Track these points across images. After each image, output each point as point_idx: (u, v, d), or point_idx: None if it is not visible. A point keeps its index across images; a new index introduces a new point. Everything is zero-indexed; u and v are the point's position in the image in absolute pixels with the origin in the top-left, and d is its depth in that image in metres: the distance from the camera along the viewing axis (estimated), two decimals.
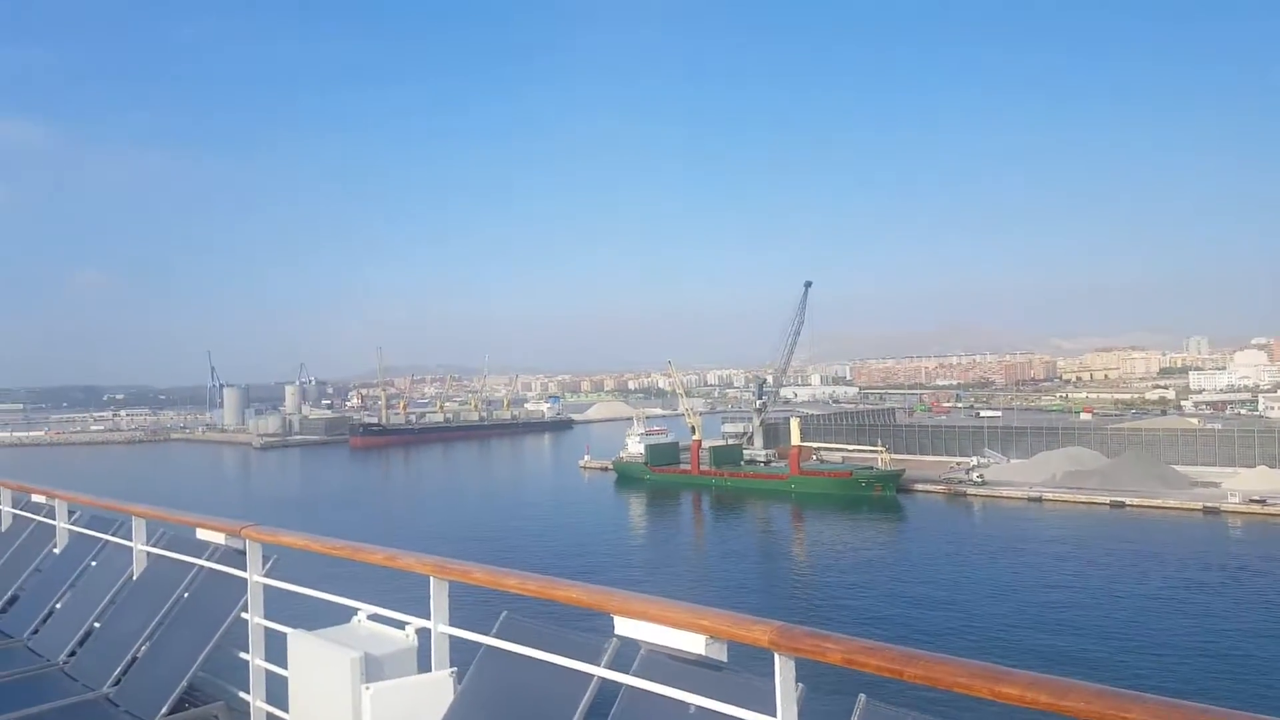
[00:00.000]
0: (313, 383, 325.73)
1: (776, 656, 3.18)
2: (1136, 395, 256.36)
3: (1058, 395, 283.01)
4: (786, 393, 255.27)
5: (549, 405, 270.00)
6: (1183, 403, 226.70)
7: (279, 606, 5.79)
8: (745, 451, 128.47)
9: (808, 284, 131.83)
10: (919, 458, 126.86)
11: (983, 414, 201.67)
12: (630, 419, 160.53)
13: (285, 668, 5.10)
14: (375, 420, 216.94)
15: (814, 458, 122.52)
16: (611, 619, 3.77)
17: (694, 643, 3.46)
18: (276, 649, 5.32)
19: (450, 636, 4.66)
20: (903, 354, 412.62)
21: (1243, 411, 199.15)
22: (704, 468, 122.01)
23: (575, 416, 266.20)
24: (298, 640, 4.96)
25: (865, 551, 79.50)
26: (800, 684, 3.20)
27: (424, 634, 4.69)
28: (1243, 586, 64.14)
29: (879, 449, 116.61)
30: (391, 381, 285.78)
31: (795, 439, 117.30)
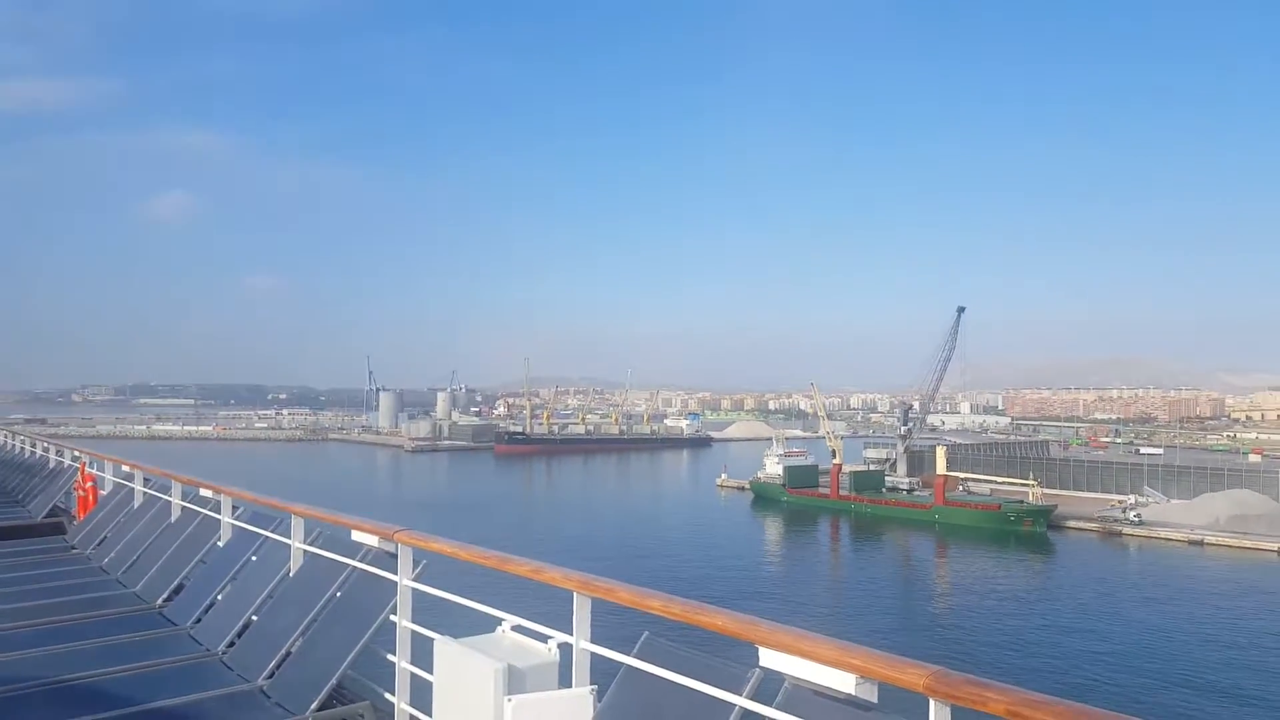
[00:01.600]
0: (463, 390, 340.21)
1: (932, 702, 3.01)
2: None
3: (1225, 434, 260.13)
4: (933, 420, 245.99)
5: (688, 422, 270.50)
6: None
7: (426, 611, 5.83)
8: (887, 478, 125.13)
9: (960, 309, 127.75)
10: (1073, 493, 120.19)
11: (1143, 451, 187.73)
12: (769, 439, 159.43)
13: (431, 673, 5.08)
14: (520, 429, 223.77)
15: (960, 488, 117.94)
16: (756, 649, 3.66)
17: (844, 681, 3.31)
18: (422, 653, 5.33)
19: (591, 653, 4.59)
20: (1059, 385, 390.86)
21: None
22: (843, 492, 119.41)
23: (714, 434, 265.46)
24: (444, 647, 4.96)
25: (1014, 590, 75.72)
26: None
27: (565, 649, 4.64)
28: None
29: (1030, 482, 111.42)
30: (537, 392, 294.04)
31: (941, 468, 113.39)
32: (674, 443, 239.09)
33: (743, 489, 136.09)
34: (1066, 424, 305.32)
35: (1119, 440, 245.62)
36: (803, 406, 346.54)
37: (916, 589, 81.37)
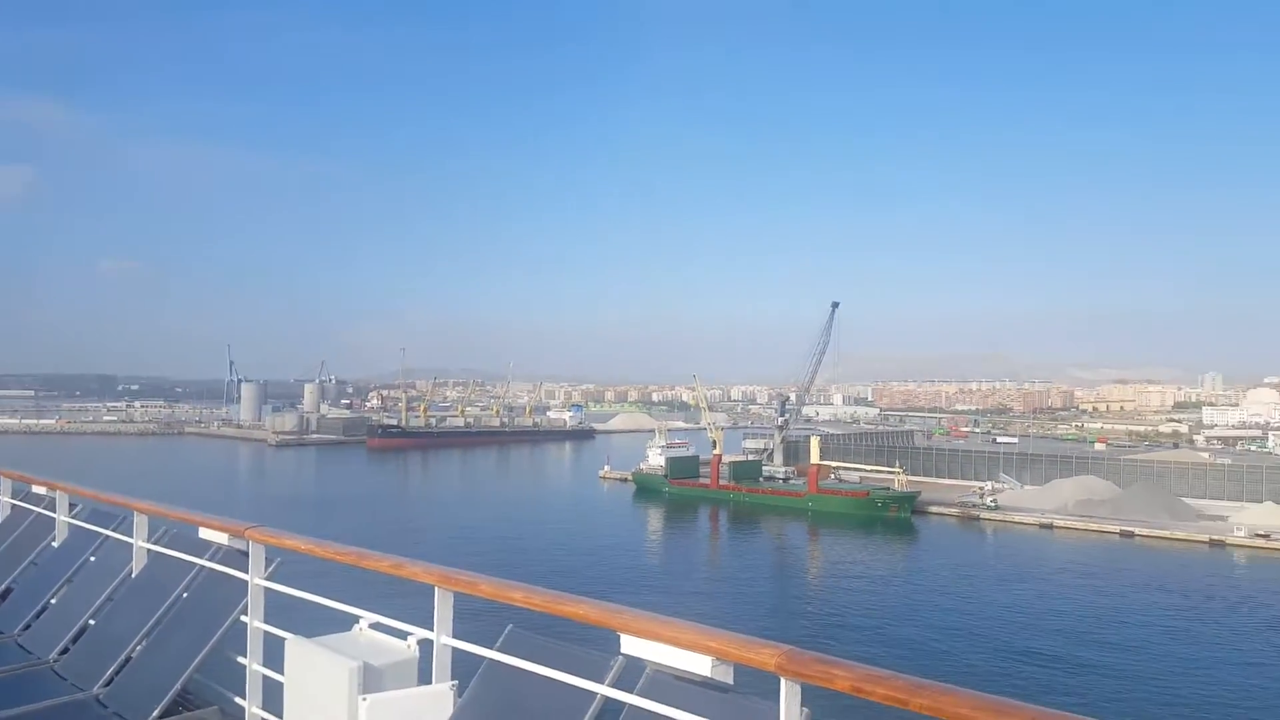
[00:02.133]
0: (333, 381, 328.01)
1: (783, 681, 3.12)
2: (1150, 428, 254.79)
3: (1073, 424, 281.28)
4: (809, 411, 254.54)
5: (571, 414, 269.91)
6: (1195, 437, 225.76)
7: (280, 611, 5.62)
8: (765, 468, 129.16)
9: (835, 304, 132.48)
10: (935, 480, 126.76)
11: (999, 440, 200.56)
12: (652, 431, 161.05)
13: (283, 674, 4.93)
14: (394, 422, 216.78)
15: (832, 476, 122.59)
16: (618, 637, 3.71)
17: (700, 664, 3.40)
18: (275, 655, 5.15)
19: (453, 649, 4.52)
20: (924, 378, 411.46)
21: (1253, 448, 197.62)
22: (723, 482, 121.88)
23: (597, 426, 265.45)
24: (296, 647, 4.80)
25: (878, 573, 79.27)
26: (806, 709, 3.15)
27: (426, 645, 4.55)
28: (1245, 619, 63.96)
29: (896, 470, 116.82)
30: (413, 384, 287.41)
31: (815, 457, 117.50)
32: (557, 435, 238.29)
33: (625, 480, 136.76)
34: (930, 415, 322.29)
35: (978, 430, 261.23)
36: (685, 398, 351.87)
37: (788, 573, 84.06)
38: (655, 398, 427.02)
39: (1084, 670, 53.02)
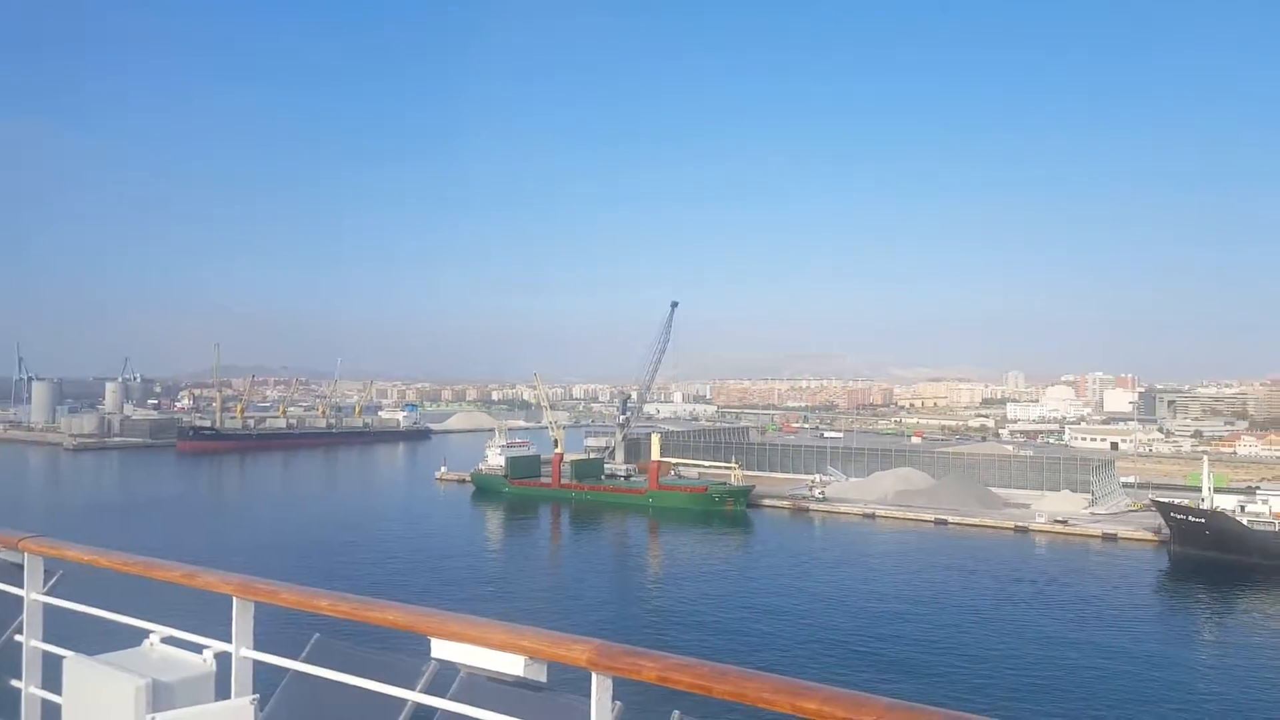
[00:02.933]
0: (138, 380, 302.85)
1: (594, 676, 3.17)
2: (961, 422, 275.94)
3: (893, 420, 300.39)
4: (649, 409, 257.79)
5: (405, 413, 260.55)
6: (1000, 431, 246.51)
7: (62, 629, 5.21)
8: (607, 465, 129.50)
9: (674, 304, 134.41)
10: (769, 475, 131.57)
11: (827, 435, 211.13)
12: (492, 430, 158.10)
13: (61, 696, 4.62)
14: (208, 423, 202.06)
15: (672, 473, 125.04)
16: (429, 641, 3.65)
17: (513, 664, 3.40)
18: (55, 676, 4.79)
19: (254, 661, 4.32)
20: (759, 376, 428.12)
21: (1051, 441, 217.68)
22: (565, 481, 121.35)
23: (433, 426, 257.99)
24: (75, 666, 4.44)
25: (715, 566, 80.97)
26: (619, 702, 3.19)
27: (224, 658, 4.34)
28: (1046, 597, 69.61)
29: (732, 466, 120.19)
30: (229, 382, 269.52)
31: (655, 454, 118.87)
32: (389, 435, 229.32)
33: (463, 481, 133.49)
34: (764, 411, 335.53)
35: (808, 426, 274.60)
36: (527, 397, 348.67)
37: (627, 569, 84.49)
38: (495, 396, 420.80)
39: (902, 651, 56.02)
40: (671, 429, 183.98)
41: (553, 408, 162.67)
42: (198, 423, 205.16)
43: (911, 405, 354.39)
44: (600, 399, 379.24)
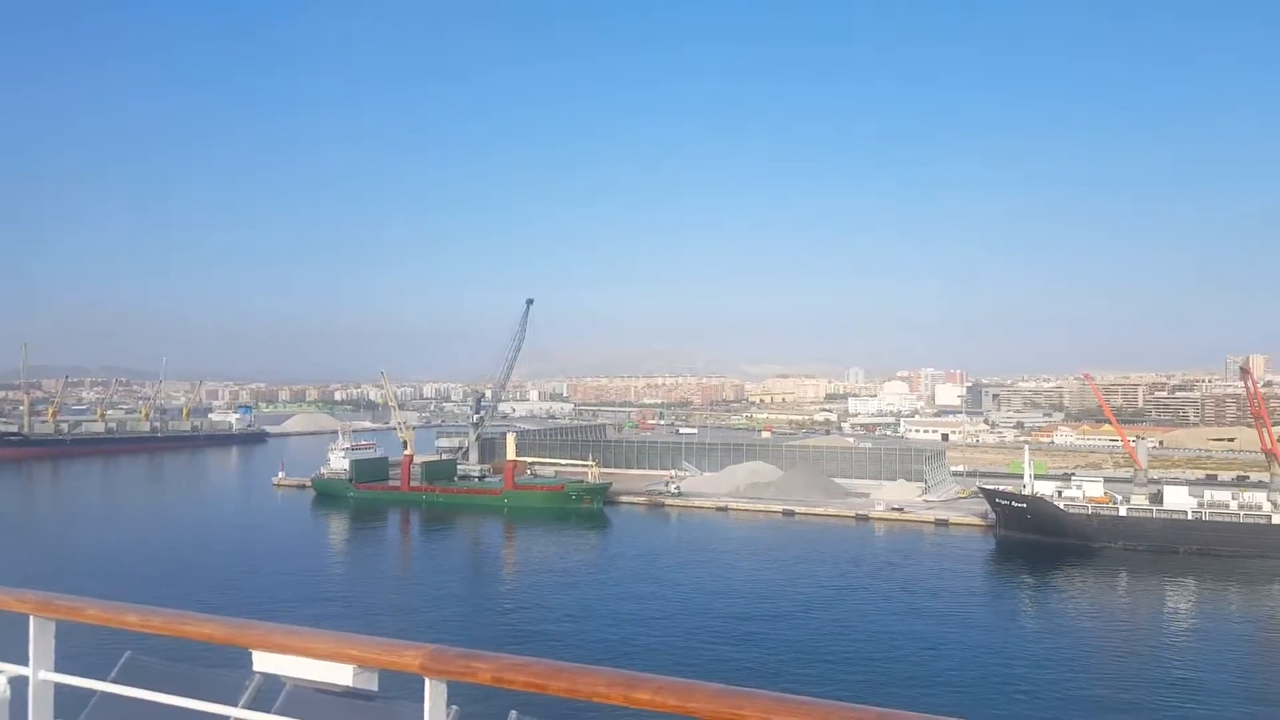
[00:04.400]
0: None
1: (427, 681, 3.13)
2: (807, 416, 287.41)
3: (745, 415, 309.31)
4: (505, 408, 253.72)
5: (238, 415, 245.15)
6: (843, 424, 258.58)
7: None
8: (460, 467, 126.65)
9: (529, 301, 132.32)
10: (626, 471, 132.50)
11: (681, 431, 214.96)
12: (335, 432, 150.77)
13: None
14: (15, 428, 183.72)
15: (528, 472, 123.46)
16: (251, 655, 3.48)
17: (341, 674, 3.27)
18: None
19: (56, 685, 3.97)
20: (615, 373, 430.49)
21: (889, 433, 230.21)
22: (415, 484, 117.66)
23: (270, 429, 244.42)
24: None
25: (571, 564, 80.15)
26: (454, 706, 3.16)
27: (21, 683, 3.97)
28: (884, 580, 73.18)
29: (590, 463, 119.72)
30: (38, 383, 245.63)
31: (511, 454, 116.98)
32: (221, 439, 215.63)
33: (304, 487, 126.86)
34: (621, 408, 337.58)
35: (663, 422, 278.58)
36: (373, 397, 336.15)
37: (483, 574, 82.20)
38: (339, 396, 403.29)
39: (753, 637, 57.08)
40: (528, 428, 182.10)
41: (401, 407, 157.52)
42: (3, 428, 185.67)
43: (762, 401, 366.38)
44: (453, 398, 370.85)
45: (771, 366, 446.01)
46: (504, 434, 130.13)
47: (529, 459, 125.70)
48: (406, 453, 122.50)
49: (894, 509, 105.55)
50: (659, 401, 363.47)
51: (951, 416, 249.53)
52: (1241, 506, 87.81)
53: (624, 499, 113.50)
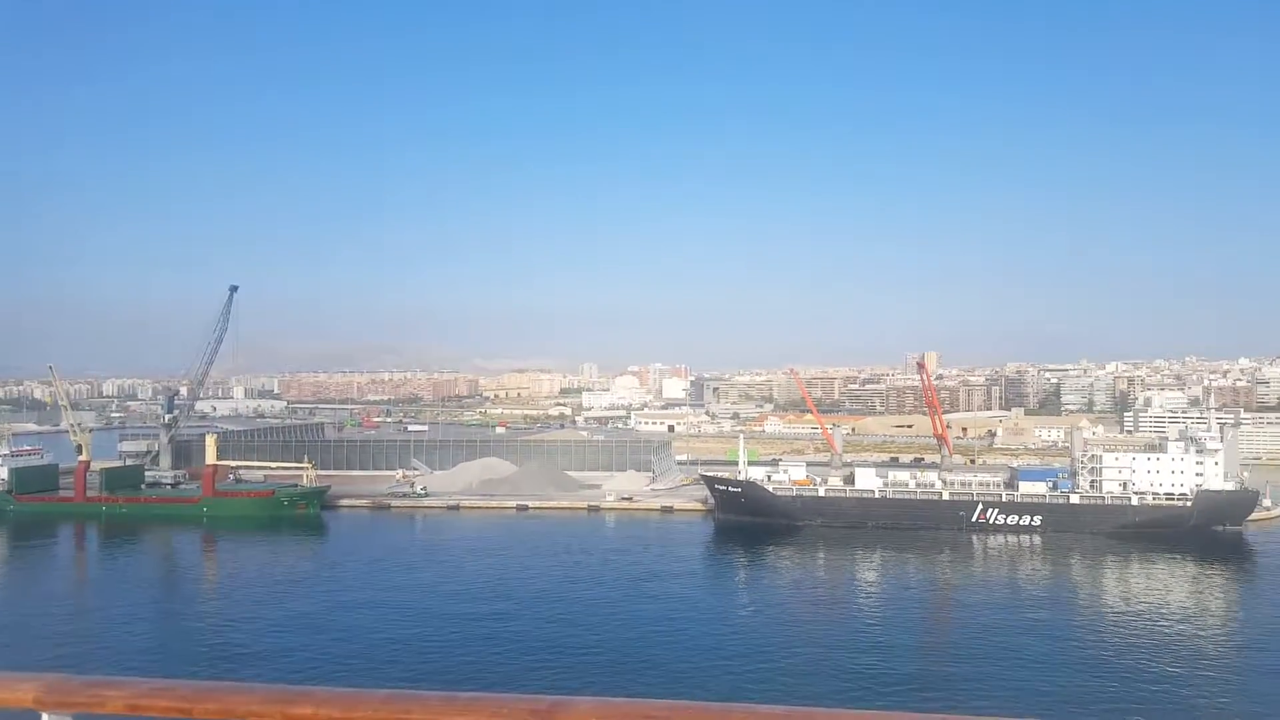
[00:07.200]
0: None
1: (45, 716, 2.81)
2: (542, 411, 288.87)
3: (479, 411, 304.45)
4: (204, 406, 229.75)
5: None
6: (577, 418, 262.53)
7: None
8: (149, 473, 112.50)
9: (233, 288, 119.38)
10: (347, 473, 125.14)
11: (410, 428, 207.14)
12: None
13: None
14: None
15: (231, 477, 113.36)
16: None
17: None
18: None
19: None
20: (335, 368, 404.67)
21: (620, 425, 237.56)
22: (93, 494, 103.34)
23: None
24: None
25: (282, 576, 73.48)
26: None
27: None
28: (612, 568, 74.68)
29: (305, 465, 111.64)
30: None
31: (211, 458, 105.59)
32: None
33: None
34: (341, 406, 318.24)
35: (390, 419, 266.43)
36: (39, 395, 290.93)
37: (177, 590, 73.33)
38: None
39: (484, 636, 55.36)
40: (231, 428, 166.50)
41: (75, 407, 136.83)
42: None
43: (496, 396, 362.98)
44: (139, 396, 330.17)
45: (507, 361, 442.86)
46: (203, 435, 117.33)
47: (233, 462, 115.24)
48: (82, 459, 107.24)
49: (624, 499, 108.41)
50: (385, 398, 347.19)
51: (677, 409, 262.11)
52: (919, 485, 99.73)
53: (345, 503, 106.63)
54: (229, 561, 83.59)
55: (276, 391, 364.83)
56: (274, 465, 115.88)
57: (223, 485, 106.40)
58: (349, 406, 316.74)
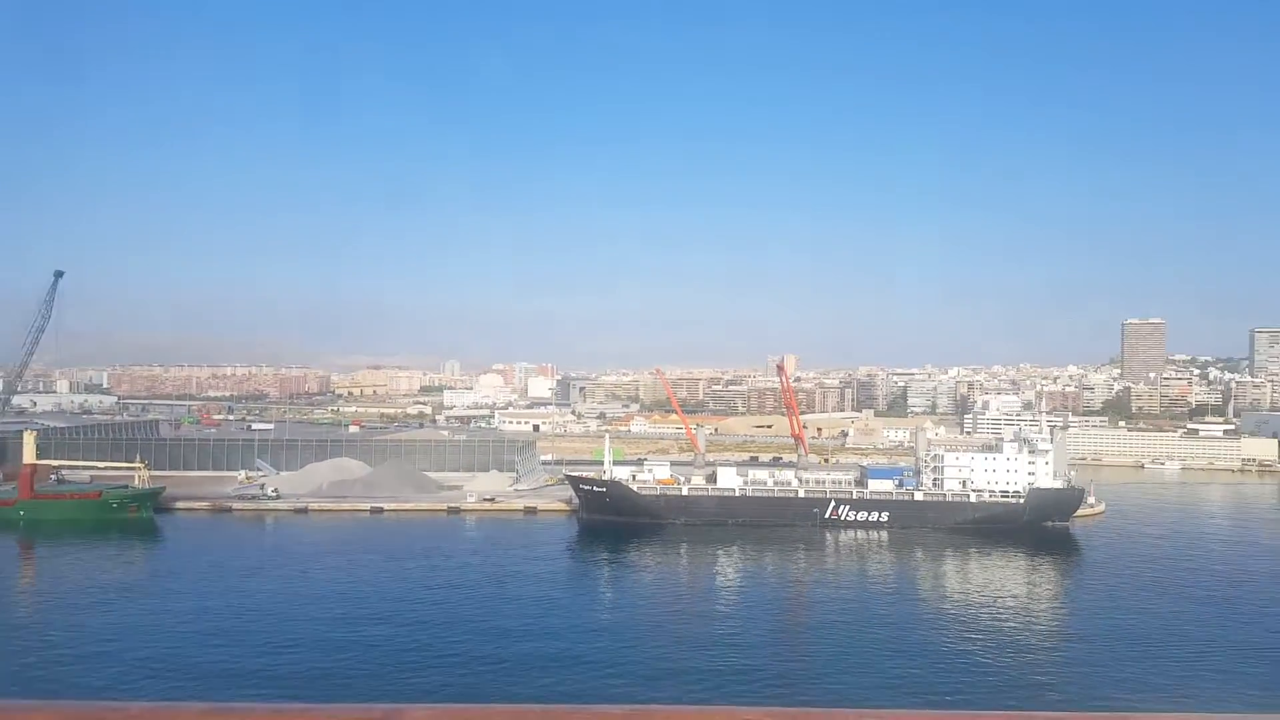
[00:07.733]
0: None
1: None
2: (400, 410, 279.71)
3: (330, 409, 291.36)
4: (22, 401, 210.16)
5: None
6: (437, 417, 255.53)
7: None
8: None
9: (58, 274, 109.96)
10: (184, 473, 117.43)
11: (255, 427, 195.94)
12: None
13: None
14: None
15: (53, 478, 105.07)
16: None
17: None
18: None
19: None
20: (173, 362, 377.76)
21: (484, 424, 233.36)
22: None
23: None
24: None
25: (107, 584, 67.86)
26: None
27: None
28: (473, 571, 73.04)
29: (137, 465, 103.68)
30: None
31: (30, 457, 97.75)
32: None
33: None
34: (179, 402, 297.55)
35: (232, 417, 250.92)
36: None
37: None
38: None
39: (330, 646, 52.76)
40: (54, 424, 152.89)
41: None
42: None
43: (350, 393, 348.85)
44: None
45: (361, 358, 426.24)
46: (20, 433, 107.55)
47: (55, 462, 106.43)
48: None
49: (486, 500, 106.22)
50: (227, 394, 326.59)
51: (543, 408, 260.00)
52: (776, 483, 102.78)
53: (182, 505, 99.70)
54: (48, 568, 77.17)
55: (106, 386, 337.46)
56: (102, 465, 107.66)
57: (43, 487, 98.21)
58: (187, 403, 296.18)
